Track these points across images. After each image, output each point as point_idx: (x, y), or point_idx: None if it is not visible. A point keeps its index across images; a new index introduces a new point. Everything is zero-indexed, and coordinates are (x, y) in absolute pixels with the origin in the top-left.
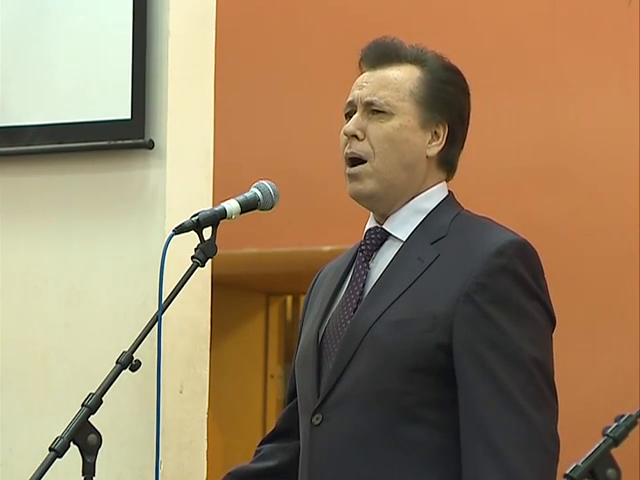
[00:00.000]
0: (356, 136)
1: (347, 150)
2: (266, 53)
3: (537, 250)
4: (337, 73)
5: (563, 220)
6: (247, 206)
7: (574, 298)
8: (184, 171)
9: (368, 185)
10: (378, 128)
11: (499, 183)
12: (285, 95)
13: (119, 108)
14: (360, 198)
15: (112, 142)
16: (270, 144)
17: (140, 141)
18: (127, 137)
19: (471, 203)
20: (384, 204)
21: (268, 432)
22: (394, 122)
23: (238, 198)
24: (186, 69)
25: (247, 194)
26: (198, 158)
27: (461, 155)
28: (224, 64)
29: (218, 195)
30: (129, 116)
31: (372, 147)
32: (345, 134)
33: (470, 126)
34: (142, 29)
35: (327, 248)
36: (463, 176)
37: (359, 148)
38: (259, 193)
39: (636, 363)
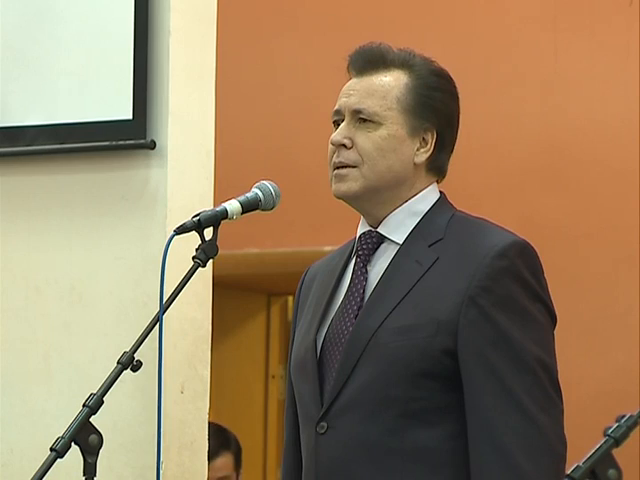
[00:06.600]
0: (344, 145)
1: (335, 159)
2: (267, 53)
3: (538, 250)
4: (339, 73)
5: (563, 220)
6: (248, 206)
7: (574, 298)
8: (185, 171)
9: (352, 187)
10: (366, 138)
11: (499, 183)
12: (286, 95)
13: (120, 108)
14: (344, 198)
15: (113, 142)
16: (271, 144)
17: (141, 141)
18: (128, 137)
19: (472, 203)
20: (370, 206)
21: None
22: (382, 131)
23: (239, 198)
24: (187, 69)
25: (248, 194)
26: (199, 158)
27: (458, 156)
28: (225, 64)
29: (219, 195)
30: (130, 116)
31: (360, 156)
32: (333, 144)
33: (471, 126)
34: (143, 29)
35: (328, 248)
36: (464, 176)
37: (347, 157)
38: (260, 193)
39: (636, 363)
